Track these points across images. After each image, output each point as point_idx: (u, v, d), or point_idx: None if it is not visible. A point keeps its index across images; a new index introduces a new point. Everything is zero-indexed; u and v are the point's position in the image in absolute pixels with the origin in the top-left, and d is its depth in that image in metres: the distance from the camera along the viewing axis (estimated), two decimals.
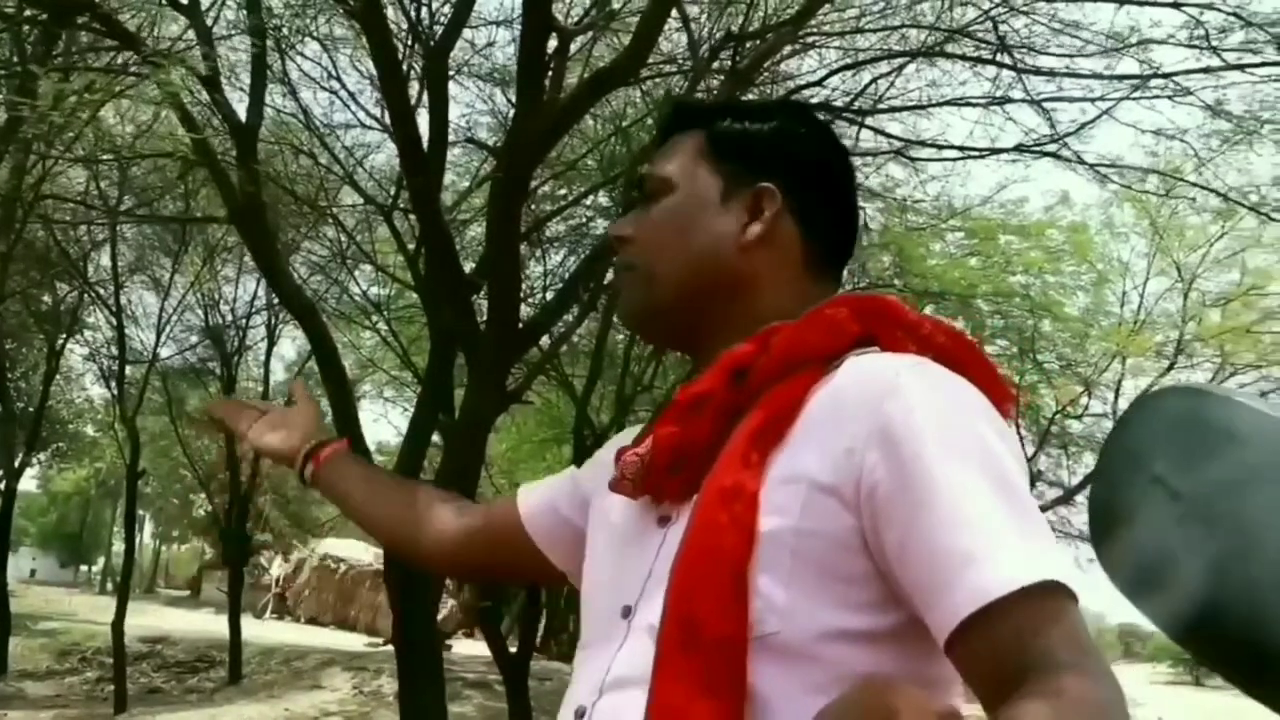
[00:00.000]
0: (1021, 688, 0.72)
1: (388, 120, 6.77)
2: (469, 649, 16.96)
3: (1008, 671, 0.75)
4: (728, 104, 1.21)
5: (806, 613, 0.85)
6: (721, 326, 1.04)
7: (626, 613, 0.95)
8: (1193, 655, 0.69)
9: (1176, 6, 6.06)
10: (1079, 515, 11.62)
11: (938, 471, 0.83)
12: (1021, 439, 11.06)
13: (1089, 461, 11.73)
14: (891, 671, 0.84)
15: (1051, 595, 0.77)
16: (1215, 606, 0.64)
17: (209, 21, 6.30)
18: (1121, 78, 6.77)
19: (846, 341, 0.97)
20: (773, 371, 0.96)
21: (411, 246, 7.61)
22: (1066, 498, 11.23)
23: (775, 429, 0.92)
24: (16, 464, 15.02)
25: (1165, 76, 6.58)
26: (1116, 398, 11.29)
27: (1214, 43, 6.17)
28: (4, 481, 14.84)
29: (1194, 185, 7.88)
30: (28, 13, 5.94)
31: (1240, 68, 6.21)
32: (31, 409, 15.40)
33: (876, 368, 0.93)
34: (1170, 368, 10.56)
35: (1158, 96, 6.84)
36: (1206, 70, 6.39)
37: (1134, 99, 6.87)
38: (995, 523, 0.80)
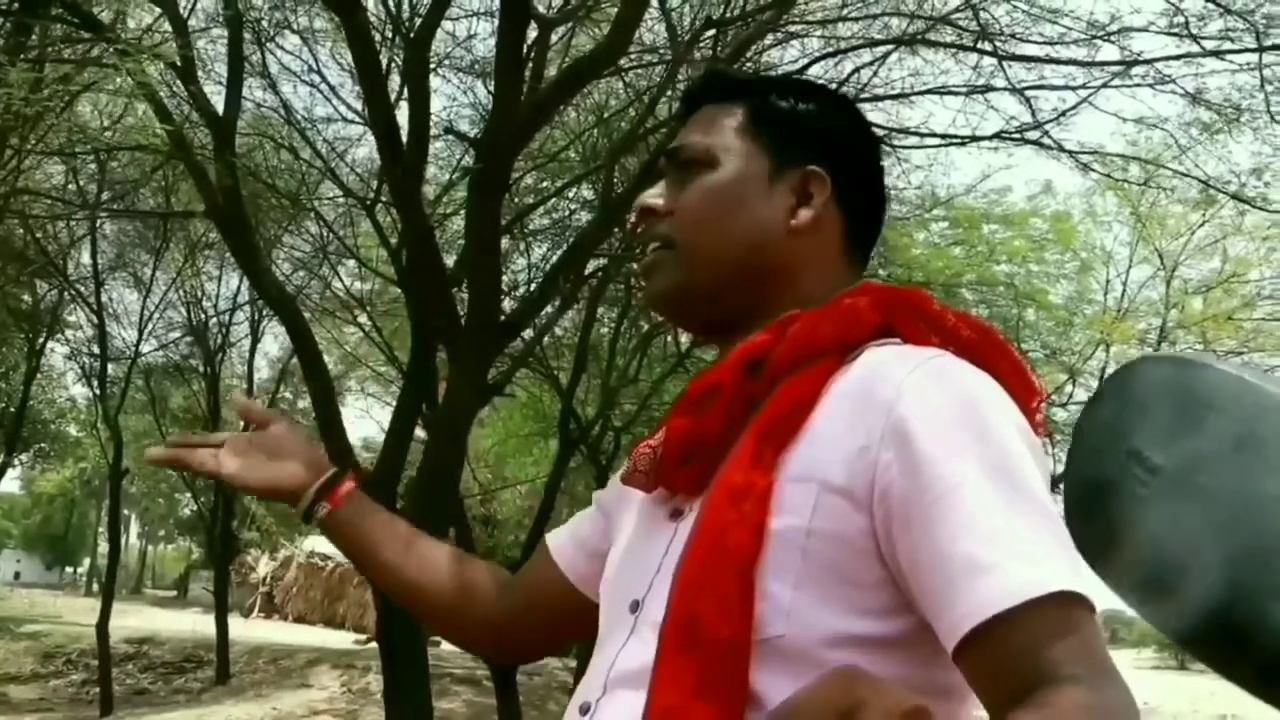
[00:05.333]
0: (1026, 701, 0.70)
1: (369, 115, 6.73)
2: None
3: (1015, 684, 0.72)
4: (769, 78, 1.14)
5: (814, 617, 0.82)
6: (759, 313, 1.00)
7: (634, 607, 0.93)
8: (1174, 641, 0.66)
9: None
10: (1061, 504, 11.65)
11: (951, 473, 0.80)
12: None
13: None
14: (901, 679, 0.80)
15: (1064, 606, 0.74)
16: (1193, 586, 0.61)
17: (184, 12, 6.25)
18: (1102, 64, 6.78)
19: (865, 331, 0.94)
20: (788, 362, 0.92)
21: (394, 241, 7.58)
22: (1052, 486, 11.25)
23: (789, 424, 0.88)
24: None
25: (1146, 63, 6.60)
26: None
27: (1193, 30, 6.18)
28: None
29: (1175, 173, 7.91)
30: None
31: (1219, 54, 6.23)
32: (12, 409, 15.29)
33: (894, 361, 0.89)
34: None
35: (1138, 85, 6.86)
36: (1186, 57, 6.40)
37: (1115, 87, 6.89)
38: (1011, 529, 0.77)
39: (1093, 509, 0.71)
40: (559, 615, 1.20)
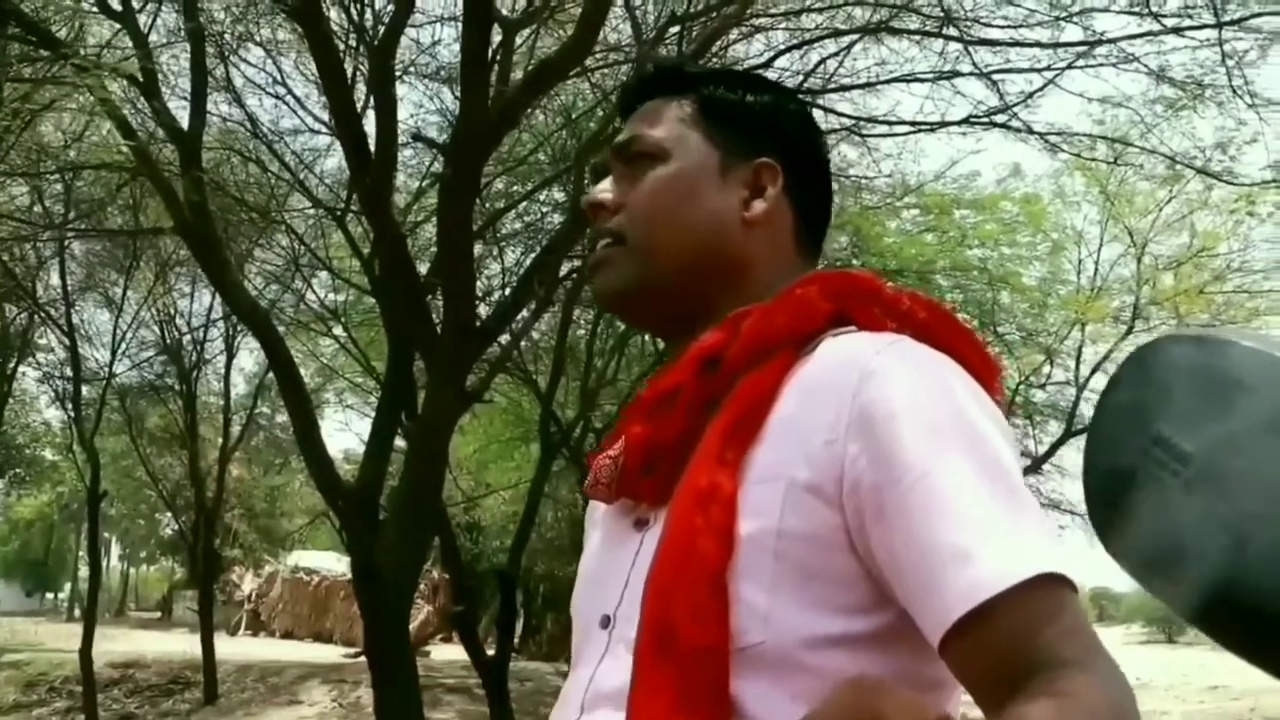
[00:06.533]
0: (1024, 689, 0.68)
1: (335, 124, 6.69)
2: (447, 654, 16.85)
3: (1007, 672, 0.71)
4: (715, 70, 1.13)
5: (791, 619, 0.80)
6: (713, 309, 0.97)
7: (606, 623, 0.90)
8: (1216, 639, 0.63)
9: None
10: (1046, 483, 11.75)
11: (922, 460, 0.78)
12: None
13: (1054, 430, 11.85)
14: (887, 675, 0.79)
15: (1049, 588, 0.72)
16: (1238, 579, 0.59)
17: (144, 28, 6.20)
18: (1066, 45, 6.84)
19: (819, 322, 0.92)
20: (744, 358, 0.90)
21: (366, 250, 7.53)
22: (1034, 467, 11.34)
23: (750, 422, 0.86)
24: None
25: (1109, 42, 6.66)
26: (1078, 365, 11.42)
27: (1154, 8, 6.24)
28: None
29: (1142, 150, 7.98)
30: None
31: (1179, 31, 6.28)
32: None
33: (853, 350, 0.87)
34: (1129, 332, 10.67)
35: (1102, 64, 6.93)
36: (1148, 35, 6.47)
37: (1079, 67, 6.96)
38: (985, 512, 0.75)
39: (1118, 500, 0.68)
40: None
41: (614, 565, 0.93)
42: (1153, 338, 0.72)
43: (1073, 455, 12.03)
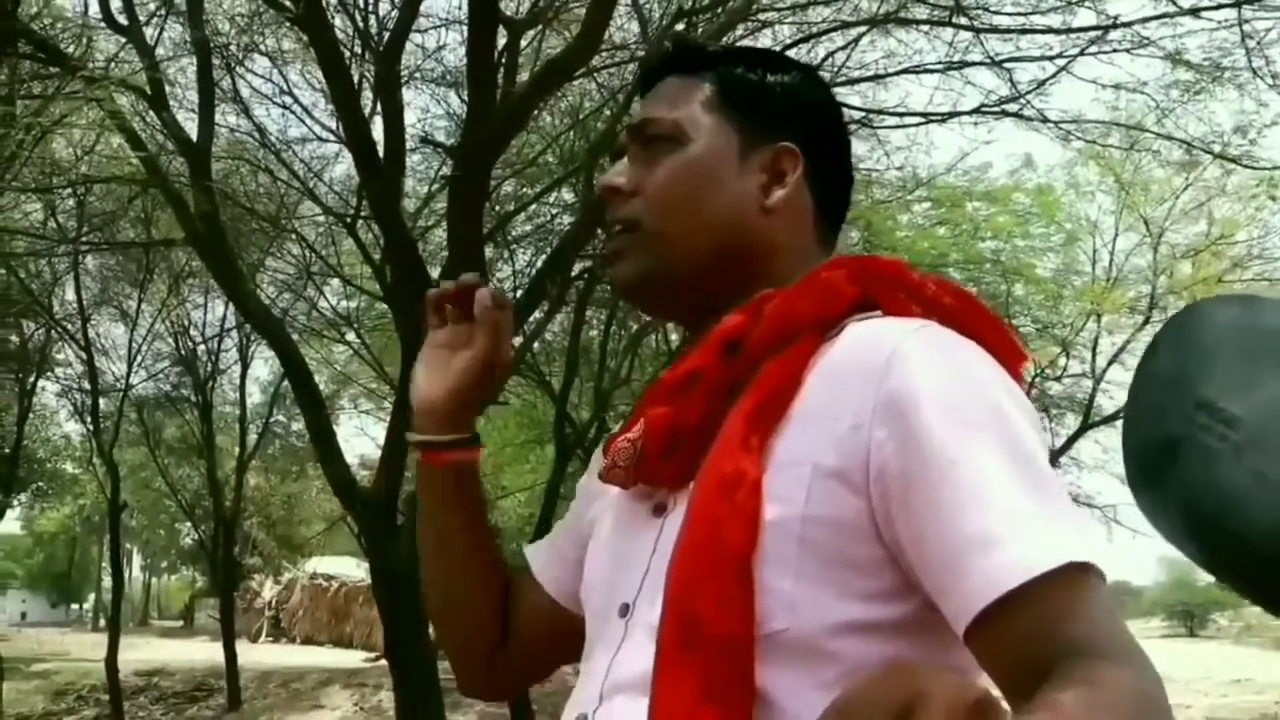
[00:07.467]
0: (1051, 678, 0.67)
1: (343, 131, 6.70)
2: None
3: (1033, 662, 0.69)
4: (735, 49, 1.09)
5: (816, 606, 0.79)
6: (733, 297, 0.95)
7: (624, 611, 0.89)
8: (1275, 612, 0.61)
9: None
10: (1063, 477, 11.66)
11: (949, 446, 0.77)
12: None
13: (1070, 423, 11.77)
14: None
15: (1077, 577, 0.71)
16: None
17: (150, 41, 6.22)
18: (1079, 30, 6.75)
19: (844, 306, 0.90)
20: (767, 342, 0.88)
21: (377, 256, 7.54)
22: (1051, 461, 11.23)
23: (774, 407, 0.85)
24: None
25: (1124, 26, 6.56)
26: (1094, 356, 11.34)
27: None
28: None
29: (1157, 136, 7.88)
30: None
31: (1196, 12, 6.18)
32: (7, 450, 15.21)
33: (879, 335, 0.86)
34: (1145, 322, 10.58)
35: (1116, 50, 6.83)
36: (1164, 17, 6.36)
37: (1092, 54, 6.86)
38: (1013, 499, 0.74)
39: (1161, 470, 0.66)
40: (547, 638, 1.13)
41: (632, 552, 0.91)
42: (1192, 302, 0.70)
43: (1090, 448, 11.98)
